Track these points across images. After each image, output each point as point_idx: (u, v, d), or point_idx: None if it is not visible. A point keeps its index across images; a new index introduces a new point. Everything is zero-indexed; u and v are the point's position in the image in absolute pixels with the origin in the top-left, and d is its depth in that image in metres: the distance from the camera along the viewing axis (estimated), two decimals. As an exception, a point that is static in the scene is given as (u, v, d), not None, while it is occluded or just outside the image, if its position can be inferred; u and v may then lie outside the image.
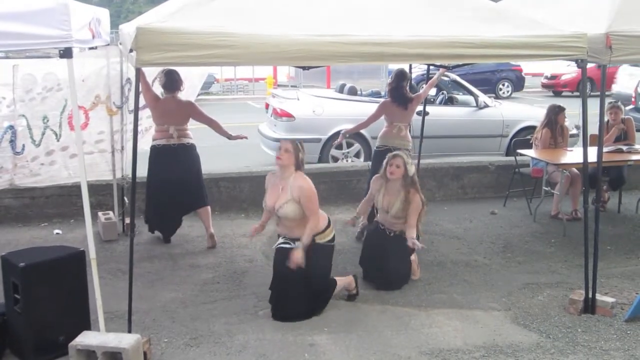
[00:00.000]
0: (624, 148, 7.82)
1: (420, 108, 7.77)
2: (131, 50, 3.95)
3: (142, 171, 6.36)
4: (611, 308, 5.13)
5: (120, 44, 5.64)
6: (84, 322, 4.52)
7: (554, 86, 24.65)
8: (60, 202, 7.63)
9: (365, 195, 6.13)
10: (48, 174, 6.58)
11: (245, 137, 6.91)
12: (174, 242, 6.87)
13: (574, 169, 7.61)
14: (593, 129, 5.42)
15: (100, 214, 7.13)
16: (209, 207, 6.84)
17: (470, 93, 11.38)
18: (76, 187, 6.28)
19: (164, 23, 4.01)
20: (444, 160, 9.23)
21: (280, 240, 5.11)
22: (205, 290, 5.65)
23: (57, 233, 7.21)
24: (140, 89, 6.18)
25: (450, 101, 11.35)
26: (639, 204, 8.28)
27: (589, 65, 4.97)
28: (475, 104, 11.08)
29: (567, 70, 23.09)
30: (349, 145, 10.19)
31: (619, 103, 8.41)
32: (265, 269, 6.04)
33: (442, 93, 11.54)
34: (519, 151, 8.18)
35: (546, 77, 25.12)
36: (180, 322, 5.02)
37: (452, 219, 7.88)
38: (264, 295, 5.37)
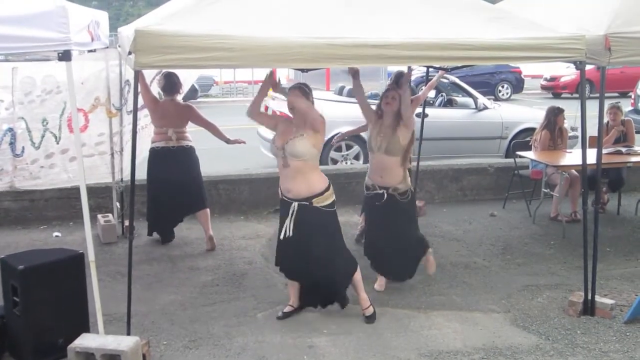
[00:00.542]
0: (623, 150, 7.82)
1: (419, 110, 7.76)
2: (130, 53, 3.95)
3: (142, 173, 6.37)
4: (610, 310, 5.13)
5: (119, 46, 5.64)
6: (83, 325, 4.51)
7: (554, 88, 24.66)
8: (59, 204, 7.63)
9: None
10: (48, 177, 6.59)
11: (244, 142, 6.90)
12: (173, 245, 6.88)
13: (573, 171, 7.62)
14: (592, 130, 5.42)
15: (99, 216, 7.13)
16: (208, 210, 6.84)
17: (470, 95, 11.38)
18: (75, 190, 6.28)
19: (163, 26, 4.01)
20: (443, 162, 9.22)
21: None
22: (205, 293, 5.65)
23: (57, 236, 7.21)
24: (140, 91, 6.19)
25: (449, 103, 11.34)
26: (639, 206, 8.27)
27: (589, 67, 4.97)
28: (474, 106, 11.08)
29: (567, 72, 23.10)
30: (348, 147, 10.19)
31: (620, 104, 8.40)
32: (264, 271, 6.04)
33: (442, 95, 11.54)
34: (518, 153, 8.18)
35: (545, 79, 25.13)
36: (179, 325, 5.02)
37: (451, 221, 7.88)
38: (264, 297, 5.38)
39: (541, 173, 7.74)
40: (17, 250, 5.64)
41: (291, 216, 4.82)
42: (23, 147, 6.27)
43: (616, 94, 21.43)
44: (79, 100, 6.35)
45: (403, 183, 5.54)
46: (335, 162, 10.16)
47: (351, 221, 7.59)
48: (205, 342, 4.74)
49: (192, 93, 20.12)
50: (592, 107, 5.13)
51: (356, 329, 4.94)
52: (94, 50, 5.92)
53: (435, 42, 4.40)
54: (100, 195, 7.59)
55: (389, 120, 5.49)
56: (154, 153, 6.60)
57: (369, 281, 5.73)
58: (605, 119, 8.13)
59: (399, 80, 6.22)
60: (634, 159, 7.63)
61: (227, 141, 6.80)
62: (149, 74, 6.64)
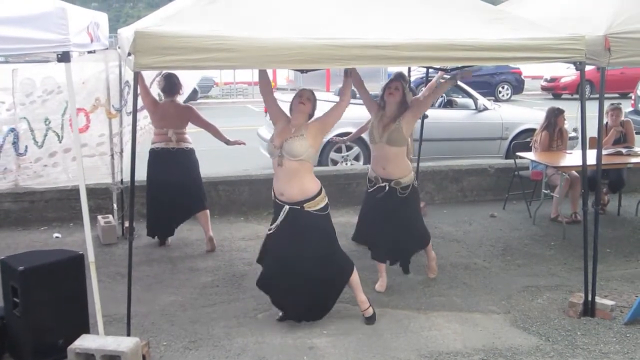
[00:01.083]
0: (624, 150, 7.82)
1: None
2: (129, 54, 3.95)
3: (141, 174, 6.37)
4: (611, 311, 5.12)
5: (119, 47, 5.65)
6: (83, 326, 4.51)
7: (554, 89, 24.69)
8: (59, 205, 7.64)
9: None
10: (51, 176, 6.64)
11: (243, 143, 6.91)
12: (173, 246, 6.88)
13: (574, 172, 7.62)
14: (592, 131, 5.42)
15: (99, 217, 7.14)
16: (207, 211, 6.84)
17: (470, 96, 11.38)
18: (75, 191, 6.28)
19: (162, 27, 4.01)
20: (444, 163, 9.22)
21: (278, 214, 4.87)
22: (205, 294, 5.65)
23: (57, 237, 7.21)
24: (139, 93, 6.19)
25: (449, 104, 11.35)
26: (639, 207, 8.27)
27: (589, 68, 4.96)
28: (474, 107, 11.09)
29: (567, 73, 23.13)
30: (349, 148, 10.19)
31: (620, 105, 8.40)
32: (264, 272, 6.03)
33: (442, 96, 11.52)
34: (519, 154, 8.18)
35: (546, 80, 25.15)
36: (179, 325, 5.02)
37: (451, 222, 7.88)
38: (264, 298, 5.37)
39: (541, 174, 7.74)
40: (17, 251, 5.64)
41: (281, 218, 4.81)
42: (26, 146, 6.33)
43: (616, 95, 21.44)
44: (81, 99, 6.39)
45: (407, 176, 5.54)
46: (335, 163, 10.16)
47: (351, 222, 7.58)
48: (205, 342, 4.74)
49: (192, 94, 20.12)
50: (593, 108, 5.13)
51: (356, 329, 4.94)
52: (94, 52, 5.93)
53: (435, 43, 4.40)
54: (100, 196, 7.59)
55: (392, 111, 5.49)
56: (154, 154, 6.61)
57: (369, 282, 5.74)
58: (605, 120, 8.14)
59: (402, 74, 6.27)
60: (634, 159, 7.63)
61: (227, 142, 6.80)
62: (149, 76, 6.65)
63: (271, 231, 4.91)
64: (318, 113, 4.95)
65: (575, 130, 9.74)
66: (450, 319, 5.15)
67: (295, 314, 5.03)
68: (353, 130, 7.46)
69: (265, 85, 5.19)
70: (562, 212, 7.69)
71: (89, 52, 5.84)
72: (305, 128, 4.78)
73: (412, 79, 8.58)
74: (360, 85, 5.86)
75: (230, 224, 7.75)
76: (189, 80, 7.43)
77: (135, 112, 4.38)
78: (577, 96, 20.65)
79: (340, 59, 4.24)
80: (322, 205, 4.83)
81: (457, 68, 7.35)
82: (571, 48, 4.71)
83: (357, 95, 10.41)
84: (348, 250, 6.43)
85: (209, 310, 5.32)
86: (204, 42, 3.95)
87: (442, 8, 4.90)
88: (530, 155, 7.97)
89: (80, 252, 4.57)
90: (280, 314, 5.11)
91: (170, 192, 6.51)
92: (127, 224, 6.78)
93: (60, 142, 6.48)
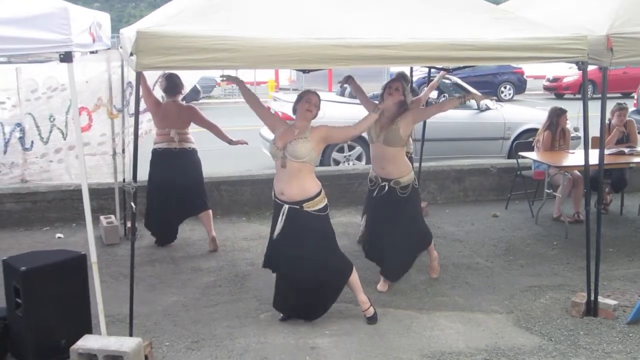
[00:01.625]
0: (626, 150, 7.82)
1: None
2: (131, 54, 3.95)
3: (144, 175, 6.38)
4: (613, 311, 5.12)
5: (121, 47, 5.65)
6: (86, 326, 4.52)
7: (556, 89, 24.66)
8: (62, 206, 7.65)
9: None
10: (57, 172, 6.75)
11: (246, 143, 6.91)
12: (175, 246, 6.88)
13: (576, 172, 7.61)
14: (595, 131, 5.41)
15: (102, 217, 7.14)
16: (210, 211, 6.84)
17: (472, 95, 11.35)
18: (78, 191, 6.28)
19: (164, 27, 4.01)
20: (446, 163, 9.22)
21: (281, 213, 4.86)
22: (207, 294, 5.65)
23: (59, 237, 7.22)
24: (142, 94, 6.20)
25: (451, 104, 11.32)
26: (641, 206, 8.27)
27: (591, 68, 4.95)
28: (476, 107, 11.06)
29: (569, 72, 23.11)
30: (351, 148, 10.19)
31: (625, 105, 8.39)
32: (267, 272, 6.01)
33: (444, 96, 11.53)
34: (521, 154, 8.17)
35: (548, 80, 25.12)
36: (181, 326, 5.02)
37: (453, 222, 7.88)
38: (266, 298, 5.37)
39: (544, 174, 7.73)
40: (19, 251, 5.63)
41: (282, 218, 4.81)
42: (32, 142, 6.43)
43: (619, 95, 21.42)
44: (84, 98, 6.43)
45: (406, 176, 5.54)
46: (337, 162, 10.16)
47: (353, 222, 7.60)
48: (208, 343, 4.74)
49: (195, 94, 20.14)
50: (595, 107, 5.12)
51: (358, 329, 4.94)
52: (96, 52, 5.94)
53: (437, 43, 4.39)
54: (102, 196, 7.60)
55: (391, 111, 5.49)
56: (156, 154, 6.61)
57: (370, 282, 5.74)
58: (610, 119, 8.12)
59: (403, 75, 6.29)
60: (636, 159, 7.62)
61: (230, 142, 6.80)
62: (151, 76, 6.65)
63: (275, 237, 4.91)
64: (324, 114, 4.92)
65: (576, 129, 9.73)
66: (453, 319, 5.15)
67: (295, 313, 5.04)
68: None
69: (251, 99, 5.19)
70: (564, 211, 7.67)
71: (91, 52, 5.86)
72: (309, 131, 4.80)
73: (414, 79, 8.56)
74: (359, 92, 5.98)
75: (233, 224, 7.75)
76: (189, 78, 7.43)
77: (137, 112, 4.39)
78: (579, 96, 20.61)
79: (343, 59, 4.23)
80: (321, 205, 4.83)
81: (459, 68, 7.35)
82: (573, 48, 4.70)
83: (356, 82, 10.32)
84: (350, 250, 6.46)
85: (211, 310, 5.32)
86: (206, 42, 3.95)
87: (444, 8, 4.90)
88: (532, 155, 7.96)
89: (83, 253, 4.58)
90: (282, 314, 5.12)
91: (172, 192, 6.52)
92: (129, 224, 6.78)
93: (64, 139, 6.54)
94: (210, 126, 6.79)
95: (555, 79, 24.53)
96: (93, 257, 4.38)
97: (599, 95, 5.10)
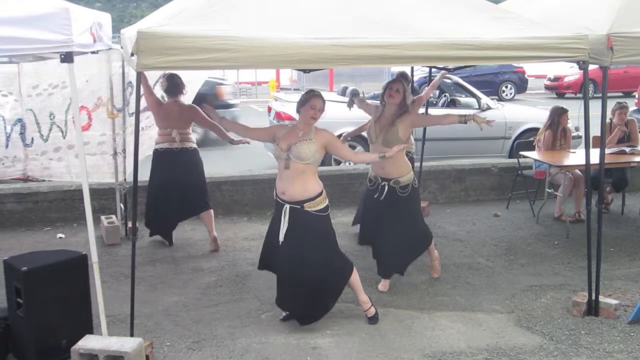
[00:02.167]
0: (627, 149, 7.81)
1: (422, 110, 7.76)
2: (132, 54, 3.95)
3: (144, 175, 6.38)
4: (614, 310, 5.12)
5: (122, 47, 5.65)
6: (87, 326, 4.52)
7: (557, 88, 24.63)
8: (63, 206, 7.66)
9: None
10: (57, 170, 6.85)
11: (248, 142, 6.91)
12: (176, 246, 6.89)
13: (577, 171, 7.61)
14: (596, 130, 5.40)
15: (103, 218, 7.14)
16: (211, 211, 6.84)
17: (473, 95, 11.37)
18: (79, 192, 6.30)
19: (165, 27, 4.01)
20: (447, 163, 9.22)
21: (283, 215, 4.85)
22: (208, 294, 5.65)
23: (60, 237, 7.22)
24: (143, 93, 6.20)
25: (452, 103, 11.34)
26: (643, 206, 8.26)
27: (592, 67, 4.95)
28: (477, 106, 11.07)
29: (570, 72, 23.07)
30: (352, 148, 10.16)
31: (626, 104, 8.38)
32: (267, 272, 6.01)
33: (445, 95, 11.53)
34: (522, 153, 8.17)
35: (549, 79, 25.09)
36: (182, 326, 5.02)
37: (454, 222, 7.88)
38: (267, 298, 5.37)
39: (545, 173, 7.73)
40: (20, 251, 5.65)
41: (284, 219, 4.81)
42: (32, 138, 6.54)
43: (620, 94, 21.41)
44: (84, 97, 6.44)
45: (406, 175, 5.54)
46: (338, 162, 10.15)
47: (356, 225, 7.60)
48: (209, 343, 4.74)
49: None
50: (596, 107, 5.12)
51: (359, 329, 4.94)
52: (97, 52, 5.94)
53: (438, 42, 4.39)
54: (103, 196, 7.61)
55: (390, 113, 5.50)
56: (158, 154, 6.61)
57: (371, 282, 5.74)
58: (611, 118, 8.12)
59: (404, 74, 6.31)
60: (637, 159, 7.61)
61: (232, 142, 6.81)
62: (153, 77, 6.65)
63: (281, 242, 4.88)
64: (325, 113, 4.91)
65: (577, 129, 9.72)
66: (454, 319, 5.15)
67: (295, 313, 5.04)
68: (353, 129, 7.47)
69: (239, 131, 5.30)
70: (565, 211, 7.68)
71: (92, 52, 5.86)
72: (313, 133, 4.80)
73: (415, 78, 8.56)
74: (363, 103, 6.14)
75: (234, 224, 7.76)
76: (195, 81, 7.45)
77: (138, 112, 4.39)
78: (580, 95, 20.61)
79: (343, 59, 4.23)
80: (322, 206, 4.84)
81: (460, 67, 7.35)
82: (574, 47, 4.70)
83: (362, 95, 10.45)
84: (350, 250, 6.47)
85: (212, 310, 5.32)
86: (207, 42, 3.95)
87: (444, 7, 4.90)
88: (533, 155, 7.96)
89: (84, 253, 4.58)
90: (284, 314, 5.12)
91: (174, 192, 6.52)
92: (130, 224, 6.79)
93: (64, 138, 6.58)
94: (211, 126, 6.78)
95: (557, 79, 24.50)
96: (94, 257, 4.38)
97: (600, 95, 5.10)
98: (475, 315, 5.22)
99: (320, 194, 4.83)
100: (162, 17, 4.46)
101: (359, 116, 6.66)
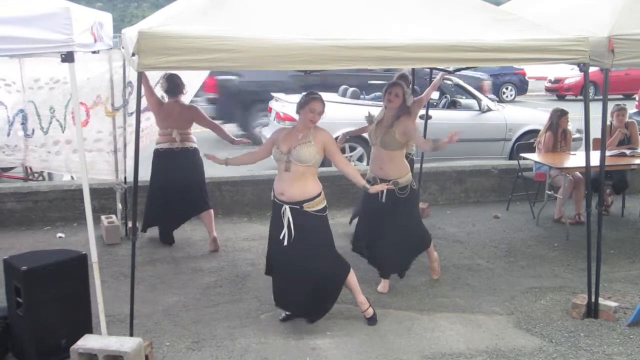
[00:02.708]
0: (627, 152, 7.81)
1: (423, 112, 7.76)
2: (133, 54, 3.95)
3: (145, 175, 6.38)
4: (614, 312, 5.12)
5: (123, 47, 5.65)
6: (86, 326, 4.52)
7: (558, 90, 24.65)
8: (63, 205, 7.66)
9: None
10: (55, 163, 6.92)
11: (248, 142, 6.93)
12: (176, 246, 6.89)
13: (577, 173, 7.61)
14: (596, 132, 5.41)
15: (103, 217, 7.15)
16: (211, 211, 6.84)
17: (473, 97, 11.36)
18: (79, 191, 6.30)
19: (166, 27, 4.01)
20: (447, 164, 9.21)
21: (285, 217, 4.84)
22: (208, 294, 5.65)
23: (60, 236, 7.23)
24: (144, 93, 6.20)
25: (453, 105, 11.34)
26: (643, 208, 8.26)
27: (593, 69, 4.95)
28: (478, 108, 11.06)
29: (571, 74, 23.09)
30: (352, 149, 10.19)
31: (625, 106, 8.39)
32: (267, 273, 6.04)
33: (445, 97, 11.52)
34: (522, 155, 8.17)
35: (550, 81, 25.11)
36: (182, 326, 5.02)
37: (454, 223, 7.88)
38: (267, 298, 5.37)
39: (545, 175, 7.73)
40: (20, 251, 5.66)
41: (286, 222, 4.80)
42: (33, 130, 6.63)
43: (620, 96, 21.40)
44: (84, 94, 6.45)
45: (404, 177, 5.54)
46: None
47: (354, 223, 7.58)
48: (208, 343, 4.74)
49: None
50: (597, 109, 5.12)
51: (359, 330, 4.94)
52: (97, 52, 5.95)
53: (439, 44, 4.39)
54: (103, 196, 7.61)
55: (390, 116, 5.52)
56: (158, 154, 6.62)
57: (371, 283, 5.75)
58: (610, 120, 8.12)
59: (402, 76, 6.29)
60: (637, 161, 7.61)
61: (232, 141, 6.82)
62: (153, 77, 6.65)
63: (286, 244, 4.85)
64: (325, 114, 4.91)
65: (578, 131, 9.72)
66: (454, 320, 5.15)
67: (295, 313, 5.04)
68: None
69: (245, 160, 5.35)
70: (565, 213, 7.67)
71: (93, 52, 5.86)
72: (313, 135, 4.79)
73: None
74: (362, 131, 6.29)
75: (234, 224, 7.76)
76: (194, 81, 7.45)
77: (138, 112, 4.39)
78: (581, 97, 20.62)
79: (343, 60, 4.23)
80: (320, 207, 4.84)
81: (461, 69, 7.34)
82: (575, 49, 4.70)
83: (362, 96, 10.37)
84: (349, 250, 6.46)
85: (212, 310, 5.32)
86: (208, 43, 3.95)
87: (445, 9, 4.90)
88: (533, 157, 7.95)
89: (84, 252, 4.58)
90: (284, 314, 5.12)
91: (173, 192, 6.53)
92: (130, 224, 6.79)
93: (63, 132, 6.63)
94: (212, 126, 6.80)
95: (557, 80, 24.52)
96: (94, 257, 4.38)
97: (601, 97, 5.10)
98: (475, 317, 5.22)
99: (319, 195, 4.83)
100: (164, 17, 4.47)
101: (360, 116, 6.65)
